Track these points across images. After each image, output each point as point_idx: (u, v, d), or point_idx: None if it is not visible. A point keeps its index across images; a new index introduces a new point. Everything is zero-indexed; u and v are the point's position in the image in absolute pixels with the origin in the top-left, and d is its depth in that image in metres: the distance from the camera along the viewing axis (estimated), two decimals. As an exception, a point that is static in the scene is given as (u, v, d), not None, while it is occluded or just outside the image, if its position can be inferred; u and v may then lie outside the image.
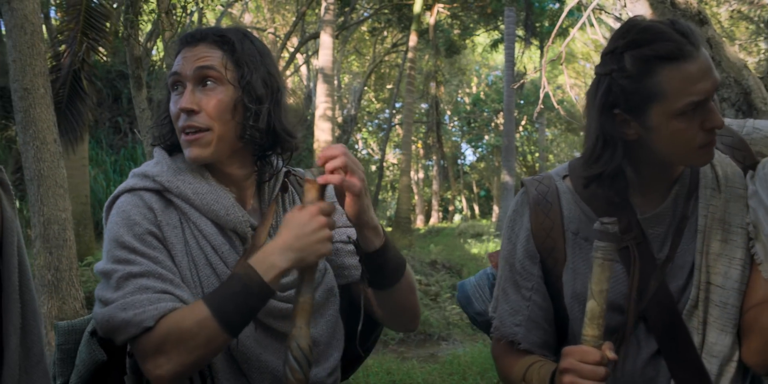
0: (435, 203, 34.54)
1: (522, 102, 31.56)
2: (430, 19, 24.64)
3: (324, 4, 17.26)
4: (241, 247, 1.70)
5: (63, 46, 10.12)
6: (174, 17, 10.65)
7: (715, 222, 1.64)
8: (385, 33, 29.37)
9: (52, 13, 16.87)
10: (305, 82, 28.81)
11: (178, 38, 1.78)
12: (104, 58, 12.22)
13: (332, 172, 1.52)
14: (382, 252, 1.62)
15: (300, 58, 28.26)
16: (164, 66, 15.54)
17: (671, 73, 1.50)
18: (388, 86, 33.38)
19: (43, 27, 16.93)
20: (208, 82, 1.65)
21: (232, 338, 1.54)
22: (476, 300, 2.11)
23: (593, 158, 1.63)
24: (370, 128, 39.12)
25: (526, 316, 1.74)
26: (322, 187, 1.56)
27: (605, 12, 9.58)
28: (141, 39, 19.01)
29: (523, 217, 1.79)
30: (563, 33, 17.71)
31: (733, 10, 17.18)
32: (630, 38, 1.55)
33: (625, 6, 4.76)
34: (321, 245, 1.54)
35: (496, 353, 1.83)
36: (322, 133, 16.56)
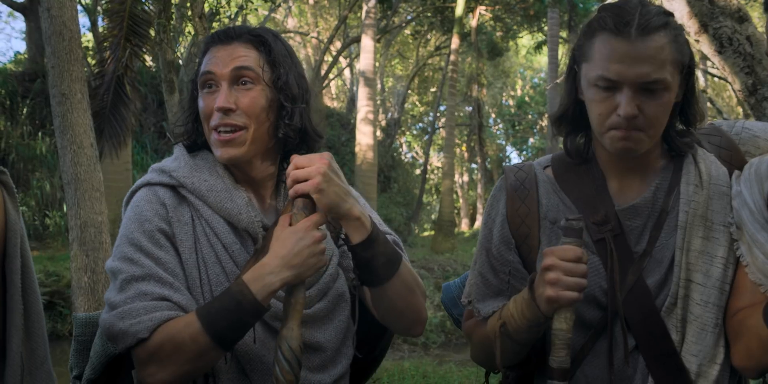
0: (480, 206, 34.33)
1: (567, 104, 31.19)
2: (472, 21, 24.55)
3: (365, 8, 17.31)
4: (253, 246, 1.70)
5: (107, 53, 10.30)
6: (214, 23, 10.78)
7: (697, 218, 1.60)
8: (428, 36, 29.35)
9: (100, 21, 17.20)
10: (348, 86, 28.91)
11: (209, 34, 1.78)
12: (148, 64, 12.41)
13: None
14: (366, 245, 1.60)
15: (343, 61, 28.39)
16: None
17: (600, 43, 1.55)
18: (432, 89, 33.32)
19: (90, 34, 17.35)
20: (245, 82, 1.66)
21: (226, 352, 1.55)
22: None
23: (561, 107, 1.72)
24: (414, 131, 39.11)
25: (506, 296, 1.72)
26: (311, 197, 1.56)
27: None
28: (185, 43, 19.35)
29: (499, 203, 1.78)
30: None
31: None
32: (602, 7, 1.61)
33: (662, 4, 4.68)
34: (316, 259, 1.54)
35: (470, 329, 1.82)
36: (364, 136, 16.61)
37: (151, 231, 1.62)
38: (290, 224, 1.56)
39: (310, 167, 1.53)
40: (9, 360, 1.43)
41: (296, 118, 1.69)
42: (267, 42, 1.70)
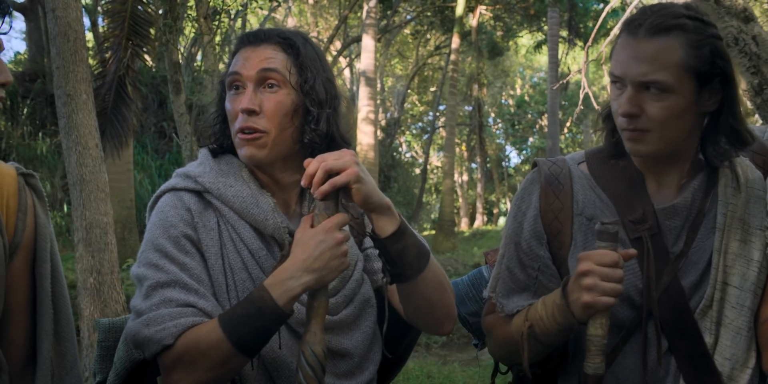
0: (479, 206, 34.31)
1: (566, 104, 31.26)
2: (472, 21, 24.55)
3: (366, 8, 17.31)
4: (279, 252, 1.68)
5: (108, 53, 10.28)
6: (214, 22, 10.76)
7: (735, 221, 1.61)
8: (428, 35, 29.34)
9: (100, 21, 17.18)
10: (348, 86, 28.91)
11: (237, 38, 1.76)
12: (149, 64, 12.40)
13: (323, 181, 1.47)
14: (399, 236, 1.54)
15: (343, 61, 28.38)
16: (203, 70, 15.69)
17: (619, 42, 1.60)
18: (432, 89, 33.31)
19: (91, 34, 17.36)
20: (271, 84, 1.65)
21: (249, 359, 1.52)
22: (469, 300, 2.06)
23: (609, 105, 1.71)
24: (414, 131, 39.09)
25: (532, 292, 1.71)
26: (335, 197, 1.51)
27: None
28: (185, 44, 19.35)
29: (532, 196, 1.76)
30: (606, 33, 17.44)
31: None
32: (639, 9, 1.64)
33: (667, 4, 4.67)
34: (338, 262, 1.49)
35: (491, 324, 1.79)
36: (365, 136, 16.60)
37: (177, 237, 1.60)
38: (312, 226, 1.51)
39: (343, 158, 1.47)
40: (40, 364, 1.44)
41: (322, 124, 1.66)
42: (296, 45, 1.69)
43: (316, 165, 1.47)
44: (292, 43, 1.69)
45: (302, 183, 1.49)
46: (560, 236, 1.70)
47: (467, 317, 2.07)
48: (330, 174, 1.47)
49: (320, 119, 1.66)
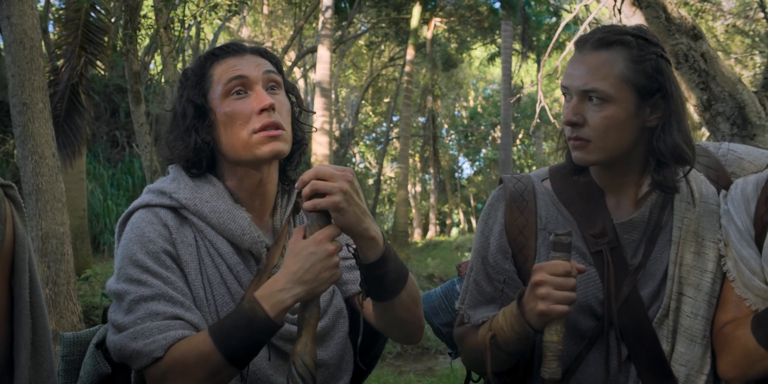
0: (432, 217, 34.47)
1: (519, 115, 31.67)
2: (427, 33, 24.74)
3: (321, 19, 17.34)
4: (256, 266, 1.70)
5: (61, 61, 10.15)
6: (172, 32, 10.68)
7: (689, 234, 1.69)
8: (383, 47, 29.48)
9: (51, 28, 16.90)
10: (303, 96, 28.84)
11: (209, 51, 1.77)
12: (102, 72, 12.23)
13: (311, 197, 1.48)
14: (380, 264, 1.55)
15: (297, 72, 28.34)
16: (162, 80, 15.52)
17: (571, 56, 1.71)
18: (386, 100, 33.42)
19: (42, 41, 17.08)
20: (273, 87, 1.70)
21: (239, 370, 1.53)
22: (442, 311, 2.12)
23: None
24: (368, 142, 39.13)
25: (498, 304, 1.77)
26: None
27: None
28: (139, 53, 19.13)
29: (497, 212, 1.83)
30: (560, 47, 17.74)
31: (728, 25, 17.33)
32: None
33: (621, 21, 4.80)
34: (329, 274, 1.49)
35: (461, 335, 1.85)
36: (320, 146, 16.59)
37: (156, 252, 1.60)
38: (304, 237, 1.52)
39: (333, 183, 1.46)
40: (17, 374, 1.43)
41: (306, 126, 1.77)
42: (274, 56, 1.77)
43: (311, 175, 1.48)
44: (269, 52, 1.77)
45: (296, 185, 1.50)
46: (525, 250, 1.76)
47: (440, 328, 2.11)
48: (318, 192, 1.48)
49: (300, 122, 1.77)
